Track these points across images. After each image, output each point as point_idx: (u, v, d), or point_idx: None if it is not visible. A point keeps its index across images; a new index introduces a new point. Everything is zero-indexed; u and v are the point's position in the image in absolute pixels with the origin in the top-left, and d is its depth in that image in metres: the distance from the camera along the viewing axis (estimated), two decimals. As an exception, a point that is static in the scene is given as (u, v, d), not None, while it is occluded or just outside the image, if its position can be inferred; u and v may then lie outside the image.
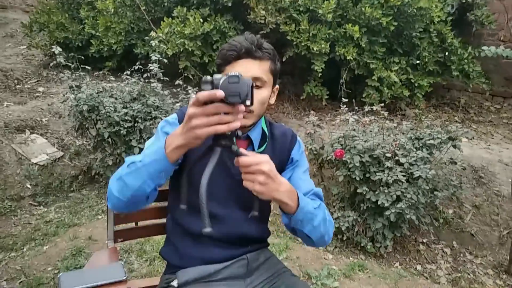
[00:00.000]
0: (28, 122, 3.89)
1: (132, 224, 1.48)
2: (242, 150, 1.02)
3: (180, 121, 1.27)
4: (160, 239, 2.60)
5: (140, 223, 1.49)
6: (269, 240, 1.43)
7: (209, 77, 0.90)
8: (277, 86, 1.30)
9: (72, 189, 3.46)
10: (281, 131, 1.37)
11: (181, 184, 1.29)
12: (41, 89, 4.86)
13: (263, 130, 1.32)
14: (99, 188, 3.51)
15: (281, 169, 1.36)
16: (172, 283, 1.28)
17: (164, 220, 1.40)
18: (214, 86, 0.90)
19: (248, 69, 1.17)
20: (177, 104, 3.49)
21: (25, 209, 3.12)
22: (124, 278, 1.20)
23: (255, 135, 1.30)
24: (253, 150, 1.28)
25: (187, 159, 1.27)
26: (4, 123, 3.71)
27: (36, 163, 3.50)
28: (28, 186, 3.33)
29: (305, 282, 1.35)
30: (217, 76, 0.92)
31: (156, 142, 1.27)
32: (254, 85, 1.02)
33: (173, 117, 1.29)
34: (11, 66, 5.38)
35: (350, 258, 2.69)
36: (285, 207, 1.13)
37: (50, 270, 2.24)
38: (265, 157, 1.02)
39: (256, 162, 1.00)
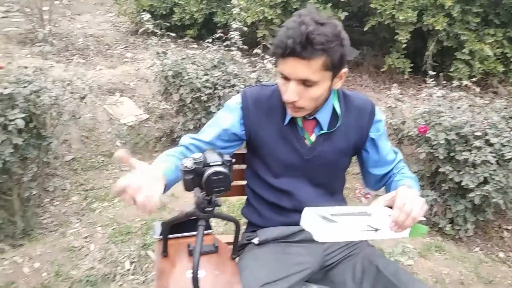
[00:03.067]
0: (117, 85, 4.19)
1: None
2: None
3: (244, 106, 1.27)
4: (236, 201, 2.72)
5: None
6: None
7: (188, 165, 0.96)
8: (345, 70, 1.18)
9: (156, 149, 3.71)
10: (358, 105, 1.30)
11: (256, 164, 1.35)
12: (128, 54, 5.16)
13: (334, 109, 1.27)
14: (179, 150, 3.72)
15: (357, 149, 1.35)
16: (253, 240, 1.35)
17: (242, 182, 1.47)
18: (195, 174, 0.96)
19: (294, 70, 1.10)
20: (253, 74, 3.53)
21: (115, 165, 3.42)
22: (210, 232, 1.29)
23: (324, 116, 1.25)
24: (322, 130, 1.26)
25: (258, 139, 1.29)
26: (97, 85, 4.03)
27: (124, 124, 3.79)
28: (118, 144, 3.62)
29: (381, 253, 1.35)
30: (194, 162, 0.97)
31: (214, 125, 1.30)
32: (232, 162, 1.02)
33: (237, 101, 1.30)
34: (102, 32, 5.76)
35: (427, 238, 2.61)
36: None
37: (138, 221, 2.46)
38: (403, 198, 1.10)
39: (407, 211, 1.07)
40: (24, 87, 2.24)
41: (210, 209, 1.02)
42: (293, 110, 1.20)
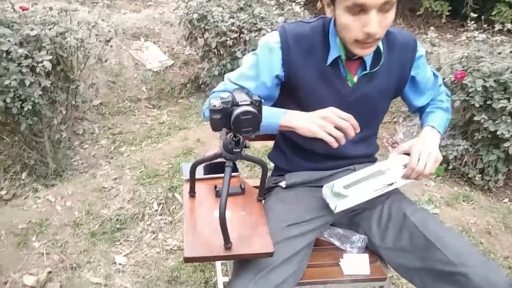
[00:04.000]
0: (142, 30, 4.12)
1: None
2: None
3: (283, 43, 1.20)
4: (261, 147, 2.71)
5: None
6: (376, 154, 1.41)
7: (216, 104, 0.94)
8: None
9: (181, 95, 3.70)
10: (401, 42, 1.22)
11: (292, 107, 1.27)
12: (152, -2, 5.04)
13: (377, 47, 1.19)
14: (204, 97, 3.71)
15: (398, 90, 1.28)
16: (280, 184, 1.34)
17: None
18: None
19: None
20: (281, 18, 3.39)
21: (141, 110, 3.45)
22: (237, 174, 1.29)
23: (368, 55, 1.18)
24: (365, 70, 1.20)
25: (297, 81, 1.23)
26: (122, 30, 3.98)
27: (150, 69, 3.76)
28: (144, 89, 3.63)
29: (410, 200, 1.32)
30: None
31: (254, 68, 1.24)
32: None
33: (275, 40, 1.21)
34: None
35: (454, 188, 2.56)
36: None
37: (165, 164, 2.50)
38: (419, 148, 1.17)
39: (423, 161, 1.15)
40: (50, 28, 2.22)
41: (237, 150, 1.00)
42: (368, 47, 1.09)
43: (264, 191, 1.44)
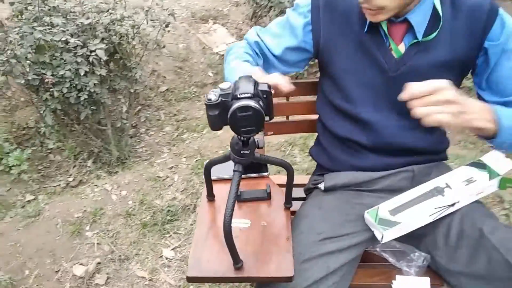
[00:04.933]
0: (211, 12, 4.04)
1: (283, 118, 1.34)
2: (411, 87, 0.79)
3: (314, 7, 1.01)
4: (299, 138, 2.48)
5: (291, 118, 1.34)
6: (450, 151, 1.11)
7: (212, 98, 0.76)
8: None
9: (247, 78, 3.57)
10: (471, 4, 0.93)
11: (327, 87, 1.09)
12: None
13: (434, 8, 0.92)
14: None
15: (466, 65, 0.97)
16: (319, 185, 1.13)
17: (313, 117, 1.23)
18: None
19: None
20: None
21: (207, 96, 3.39)
22: (265, 174, 1.11)
23: (419, 18, 0.91)
24: (416, 39, 0.92)
25: (329, 52, 1.03)
26: (191, 13, 3.94)
27: (217, 53, 3.68)
28: (210, 74, 3.55)
29: (488, 212, 1.02)
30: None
31: (281, 27, 1.08)
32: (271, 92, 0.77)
33: (305, 2, 1.03)
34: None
35: None
36: (481, 132, 0.86)
37: (221, 153, 2.40)
38: (443, 81, 0.76)
39: (434, 89, 0.75)
40: (106, 16, 2.21)
41: (246, 152, 0.82)
42: (370, 13, 0.90)
43: (305, 191, 1.26)
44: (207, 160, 0.95)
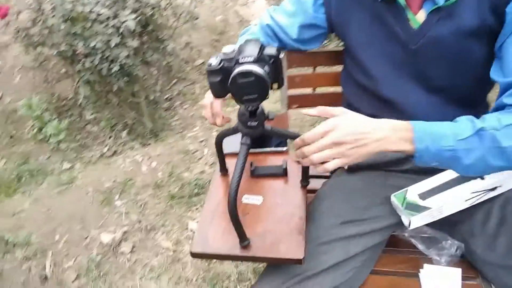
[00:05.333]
0: (250, -17, 3.91)
1: (309, 90, 1.25)
2: (307, 111, 0.80)
3: None
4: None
5: (318, 90, 1.25)
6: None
7: (213, 63, 0.71)
8: None
9: (285, 52, 3.46)
10: None
11: (348, 60, 1.02)
12: None
13: None
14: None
15: (493, 34, 0.81)
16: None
17: (338, 89, 1.13)
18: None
19: None
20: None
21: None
22: (284, 149, 1.04)
23: None
24: (436, 5, 0.80)
25: (343, 25, 0.95)
26: (230, -15, 3.84)
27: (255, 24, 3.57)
28: (247, 47, 3.47)
29: None
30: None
31: (295, 2, 1.02)
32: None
33: None
34: None
35: None
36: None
37: (251, 128, 2.34)
38: (333, 119, 0.72)
39: (321, 133, 0.70)
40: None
41: (253, 123, 0.75)
42: None
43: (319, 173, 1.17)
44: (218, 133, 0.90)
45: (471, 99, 0.92)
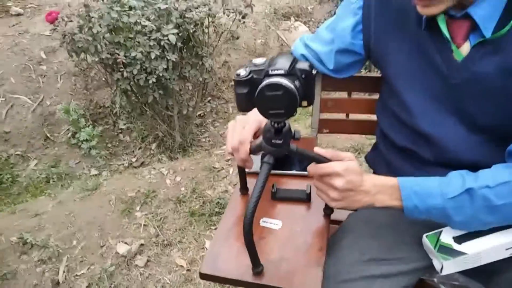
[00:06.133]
0: (294, 9, 3.95)
1: (342, 116, 1.20)
2: (316, 150, 0.76)
3: (366, 4, 0.89)
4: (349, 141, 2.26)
5: (352, 116, 1.19)
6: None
7: (242, 73, 0.68)
8: None
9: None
10: None
11: (384, 89, 0.97)
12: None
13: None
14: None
15: None
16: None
17: (373, 117, 1.07)
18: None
19: None
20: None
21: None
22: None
23: (485, 11, 0.72)
24: (483, 37, 0.73)
25: (382, 54, 0.90)
26: (274, 9, 3.88)
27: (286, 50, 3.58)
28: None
29: None
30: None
31: (331, 30, 0.99)
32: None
33: None
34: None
35: None
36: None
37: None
38: (341, 165, 0.73)
39: (328, 172, 0.74)
40: (181, 2, 2.22)
41: (278, 142, 0.70)
42: (421, 4, 0.74)
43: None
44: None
45: None
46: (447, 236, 0.82)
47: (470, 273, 0.84)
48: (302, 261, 0.76)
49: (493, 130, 0.80)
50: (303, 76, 0.65)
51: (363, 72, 2.59)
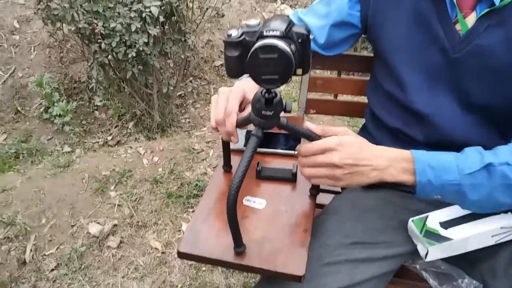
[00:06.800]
0: (281, -8, 3.87)
1: (330, 96, 1.16)
2: (307, 124, 0.72)
3: None
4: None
5: (340, 97, 1.15)
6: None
7: (234, 33, 0.62)
8: None
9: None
10: None
11: (378, 68, 0.92)
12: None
13: None
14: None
15: None
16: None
17: (362, 99, 1.03)
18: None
19: None
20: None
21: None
22: (294, 153, 0.94)
23: None
24: (491, 6, 0.70)
25: (379, 26, 0.85)
26: (260, -9, 3.80)
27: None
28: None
29: None
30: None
31: (326, 3, 0.94)
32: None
33: None
34: None
35: None
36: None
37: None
38: (336, 139, 0.68)
39: (321, 149, 0.68)
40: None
41: (269, 113, 0.65)
42: None
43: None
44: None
45: (509, 123, 0.82)
46: (433, 221, 0.80)
47: (452, 261, 0.83)
48: (287, 241, 0.72)
49: (490, 110, 0.78)
50: (299, 40, 0.60)
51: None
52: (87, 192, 1.81)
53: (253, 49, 0.57)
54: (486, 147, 0.72)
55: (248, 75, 0.60)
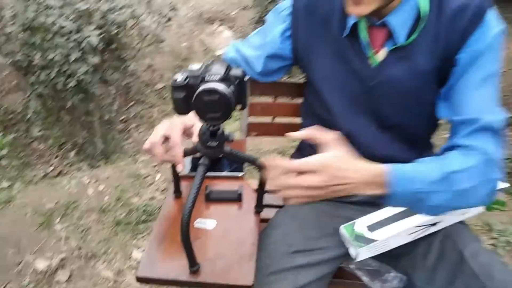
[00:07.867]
0: (218, 14, 3.99)
1: (268, 119, 1.26)
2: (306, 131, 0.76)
3: (295, 11, 0.94)
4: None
5: (277, 120, 1.25)
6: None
7: (179, 78, 0.68)
8: None
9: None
10: (456, 5, 0.80)
11: (309, 93, 1.02)
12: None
13: (417, 8, 0.81)
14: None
15: (443, 74, 0.85)
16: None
17: (298, 120, 1.14)
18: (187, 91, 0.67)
19: None
20: None
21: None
22: (240, 174, 1.02)
23: (399, 19, 0.81)
24: (395, 44, 0.83)
25: (308, 59, 0.96)
26: (198, 14, 3.90)
27: (218, 55, 3.62)
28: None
29: (473, 234, 0.93)
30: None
31: (261, 35, 1.02)
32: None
33: (287, 5, 0.95)
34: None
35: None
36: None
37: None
38: (318, 160, 0.70)
39: (298, 169, 0.70)
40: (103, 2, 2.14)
41: (213, 144, 0.73)
42: (356, 2, 0.78)
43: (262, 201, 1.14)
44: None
45: (418, 138, 0.96)
46: (360, 226, 0.91)
47: (381, 258, 0.94)
48: (236, 256, 0.80)
49: (402, 127, 0.91)
50: (236, 81, 0.68)
51: (285, 78, 2.71)
52: (31, 228, 1.76)
53: (197, 92, 0.65)
54: (400, 161, 0.85)
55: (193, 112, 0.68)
